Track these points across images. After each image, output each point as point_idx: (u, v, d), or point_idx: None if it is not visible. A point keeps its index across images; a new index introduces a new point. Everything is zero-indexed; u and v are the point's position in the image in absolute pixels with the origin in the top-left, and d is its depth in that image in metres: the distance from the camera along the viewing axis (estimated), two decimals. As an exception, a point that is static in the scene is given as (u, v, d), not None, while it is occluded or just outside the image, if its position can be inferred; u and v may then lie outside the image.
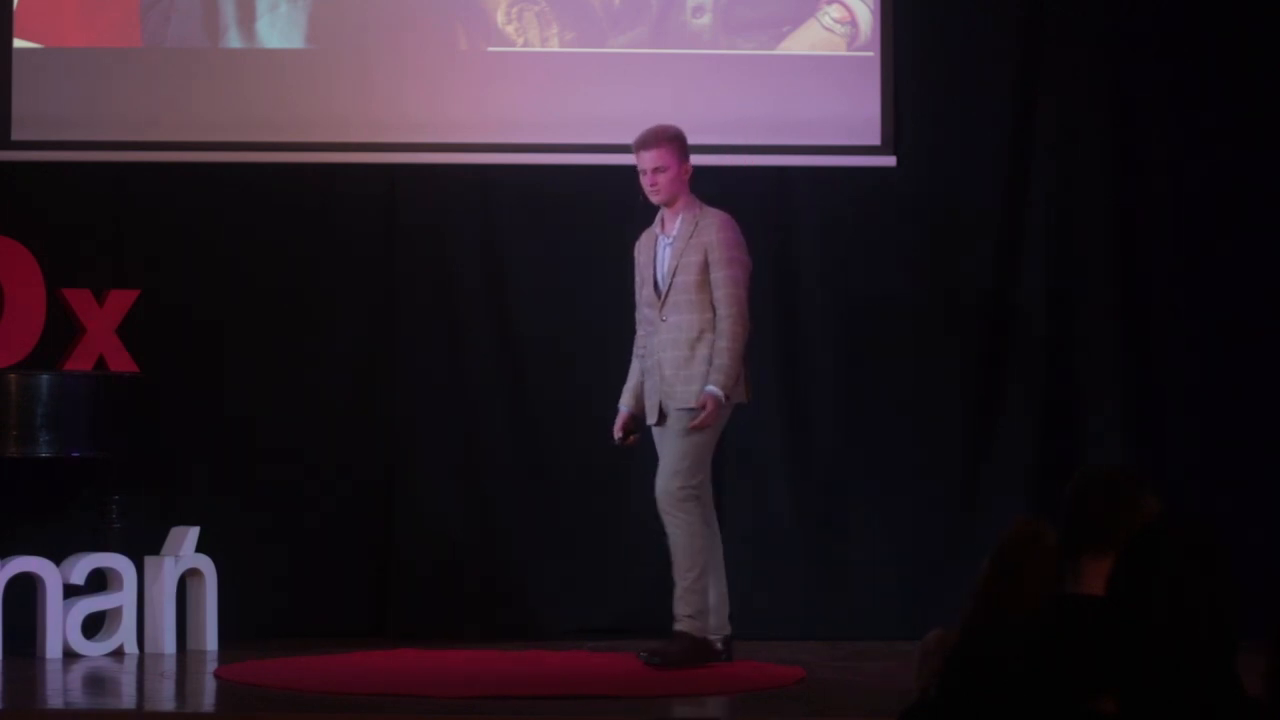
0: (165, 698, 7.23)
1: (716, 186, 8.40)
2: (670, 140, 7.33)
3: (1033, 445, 8.32)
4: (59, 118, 8.30)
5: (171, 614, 7.78)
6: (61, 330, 7.96)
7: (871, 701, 6.52)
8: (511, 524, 8.36)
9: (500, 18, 8.36)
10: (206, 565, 7.87)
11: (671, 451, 7.29)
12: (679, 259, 7.30)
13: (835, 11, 8.38)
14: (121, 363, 7.97)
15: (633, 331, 8.46)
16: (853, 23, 8.38)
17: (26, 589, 7.59)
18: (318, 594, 8.24)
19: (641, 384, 7.43)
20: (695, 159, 8.33)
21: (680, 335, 7.28)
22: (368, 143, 8.30)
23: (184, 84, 8.31)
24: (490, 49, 8.37)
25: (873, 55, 8.36)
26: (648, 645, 7.47)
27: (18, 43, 8.30)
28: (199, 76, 8.32)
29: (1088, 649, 2.91)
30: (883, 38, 8.35)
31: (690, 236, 7.31)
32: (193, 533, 7.88)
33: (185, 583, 7.87)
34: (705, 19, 8.37)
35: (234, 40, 8.34)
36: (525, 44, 8.37)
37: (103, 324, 7.98)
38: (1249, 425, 8.28)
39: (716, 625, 7.39)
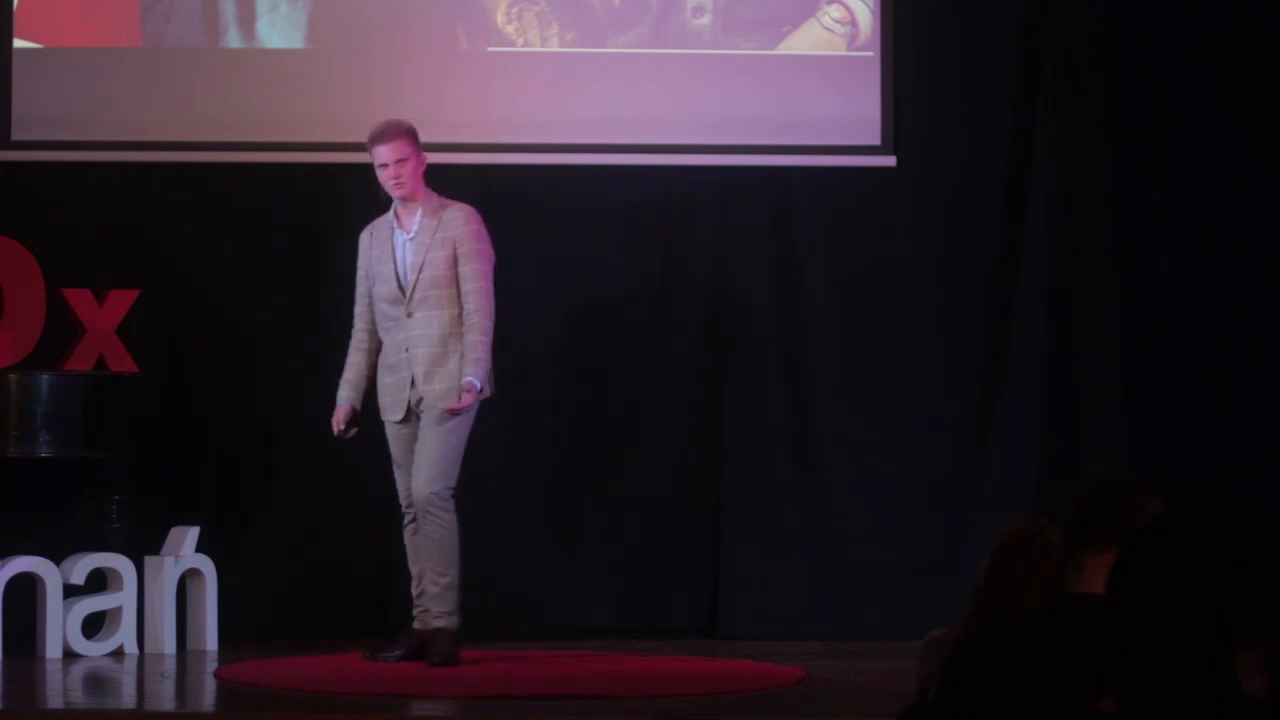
0: (165, 698, 7.23)
1: (717, 186, 8.43)
2: (407, 132, 7.27)
3: (1033, 445, 8.32)
4: (59, 118, 8.29)
5: (171, 614, 7.78)
6: (61, 330, 7.95)
7: (871, 701, 6.52)
8: (511, 524, 8.36)
9: (500, 18, 8.36)
10: (206, 565, 7.87)
11: (433, 452, 7.24)
12: (425, 255, 7.24)
13: (835, 11, 8.38)
14: (121, 363, 7.97)
15: (632, 329, 8.47)
16: (853, 23, 8.38)
17: (26, 589, 7.59)
18: (318, 594, 8.24)
19: (364, 378, 7.39)
20: (697, 159, 8.37)
21: (432, 332, 7.24)
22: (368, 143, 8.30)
23: (184, 84, 8.31)
24: (490, 49, 8.37)
25: (873, 55, 8.36)
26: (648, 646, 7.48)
27: (18, 43, 8.30)
28: (199, 76, 8.32)
29: (1088, 648, 2.91)
30: (883, 38, 8.35)
31: (435, 231, 7.26)
32: (193, 533, 7.87)
33: (185, 583, 7.87)
34: (705, 19, 8.37)
35: (234, 40, 8.34)
36: (525, 44, 8.37)
37: (103, 324, 7.97)
38: (1249, 425, 8.28)
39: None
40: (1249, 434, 8.28)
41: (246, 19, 8.34)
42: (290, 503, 8.27)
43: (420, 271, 7.24)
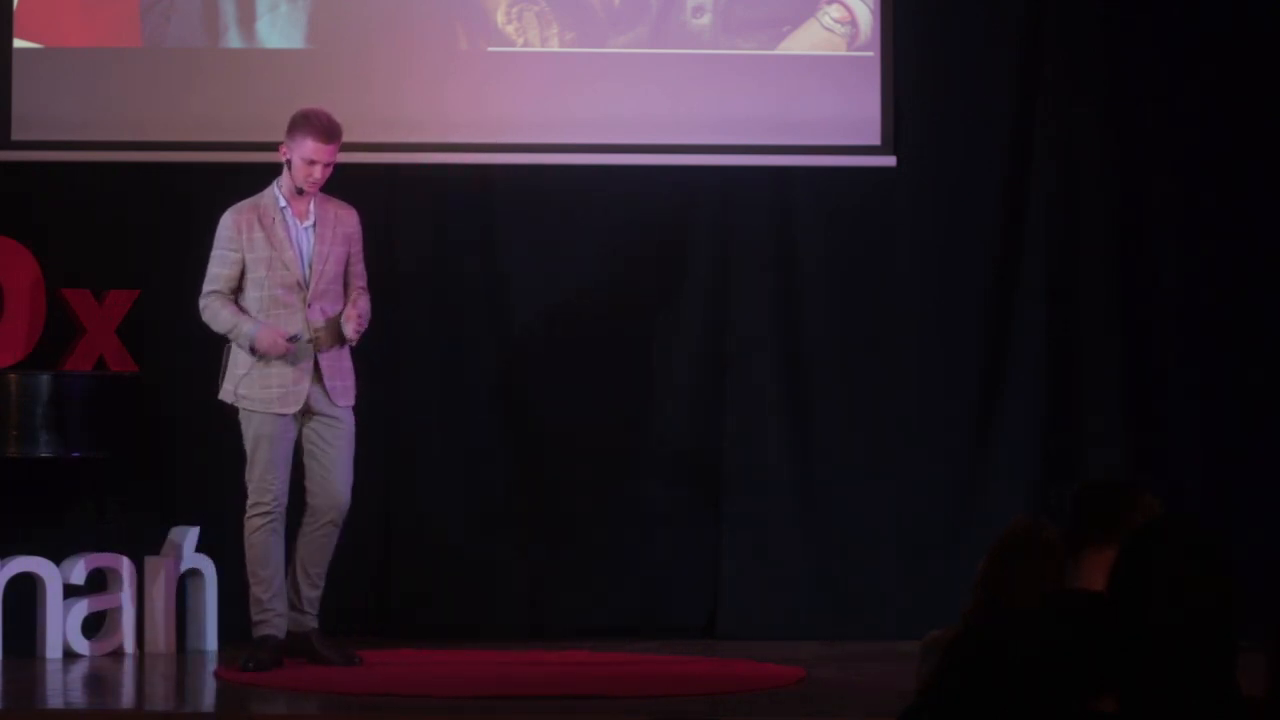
0: (165, 698, 7.23)
1: (717, 186, 8.42)
2: (341, 137, 7.26)
3: (1033, 445, 8.32)
4: (59, 118, 8.29)
5: (171, 614, 7.78)
6: (61, 330, 7.95)
7: (871, 701, 6.53)
8: (511, 524, 8.36)
9: (500, 18, 8.36)
10: (206, 565, 7.87)
11: (345, 460, 7.23)
12: (329, 247, 7.23)
13: (835, 11, 8.38)
14: (121, 363, 7.97)
15: (632, 329, 8.45)
16: (853, 23, 8.38)
17: (26, 589, 7.59)
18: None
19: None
20: (695, 159, 8.37)
21: (333, 327, 7.19)
22: (368, 143, 8.29)
23: (184, 84, 8.31)
24: (490, 49, 8.37)
25: (873, 55, 8.35)
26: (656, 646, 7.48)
27: (18, 43, 8.30)
28: (199, 76, 8.32)
29: (1088, 647, 2.91)
30: (883, 38, 8.34)
31: (335, 226, 7.25)
32: (193, 533, 7.88)
33: (185, 583, 7.87)
34: (705, 19, 8.37)
35: (234, 40, 8.34)
36: (525, 44, 8.37)
37: (103, 324, 7.98)
38: (1249, 425, 8.28)
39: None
40: (1249, 434, 8.28)
41: (246, 19, 8.34)
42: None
43: (325, 263, 7.21)
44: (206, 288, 7.23)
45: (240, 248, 7.19)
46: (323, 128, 7.17)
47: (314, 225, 7.24)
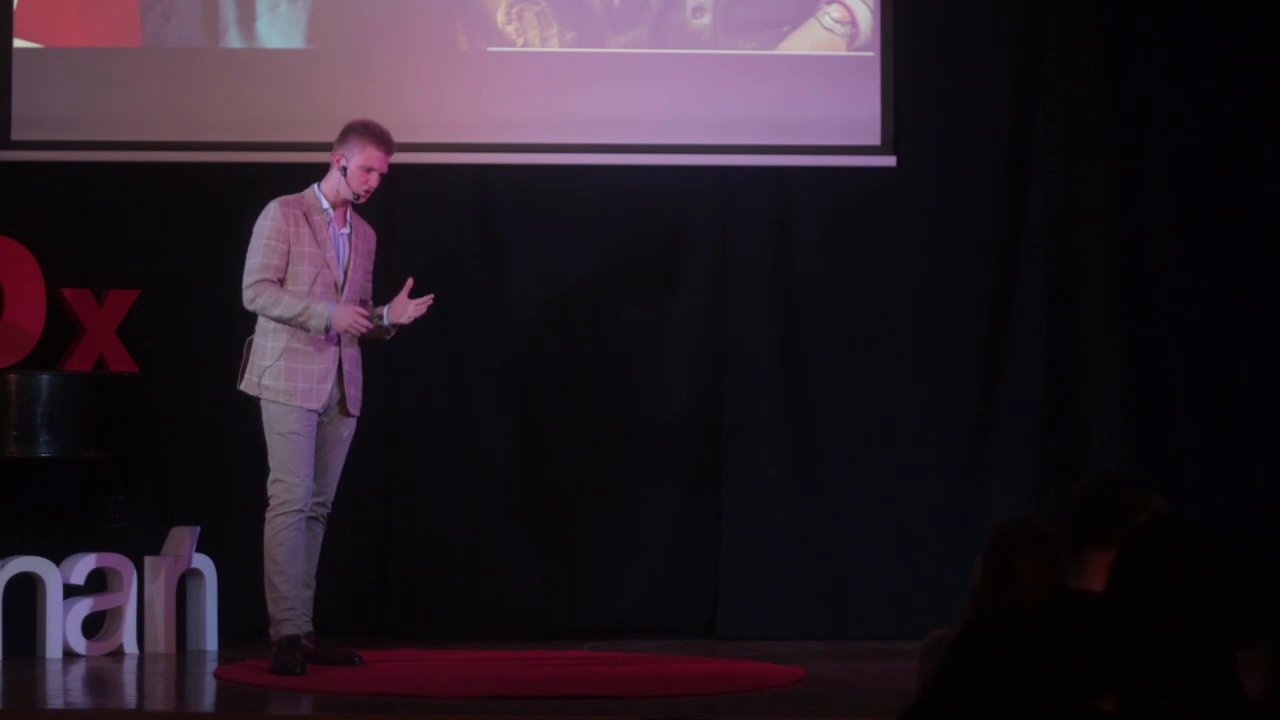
0: (165, 698, 7.23)
1: (717, 186, 8.42)
2: None
3: (1033, 445, 8.32)
4: (59, 118, 8.29)
5: (171, 614, 7.78)
6: (61, 330, 7.96)
7: (871, 701, 6.53)
8: (511, 524, 8.36)
9: (500, 18, 8.36)
10: (206, 565, 7.87)
11: (341, 459, 7.28)
12: (360, 259, 7.29)
13: (835, 11, 8.38)
14: (121, 363, 7.98)
15: (632, 329, 8.45)
16: (853, 23, 8.38)
17: (26, 589, 7.59)
18: (318, 594, 8.22)
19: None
20: (696, 159, 8.38)
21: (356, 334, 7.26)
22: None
23: (184, 84, 8.31)
24: (490, 49, 8.37)
25: (873, 55, 8.36)
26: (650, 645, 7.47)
27: (18, 43, 8.30)
28: (199, 76, 8.32)
29: (1088, 646, 2.91)
30: (883, 38, 8.35)
31: (364, 239, 7.34)
32: (193, 533, 7.88)
33: (185, 583, 7.87)
34: (705, 19, 8.37)
35: (234, 40, 8.35)
36: (525, 44, 8.37)
37: (103, 324, 7.98)
38: (1249, 425, 8.28)
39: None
40: (1249, 433, 8.28)
41: (246, 19, 8.34)
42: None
43: (357, 272, 7.27)
44: (255, 276, 7.14)
45: (288, 239, 7.16)
46: (385, 138, 7.21)
47: (349, 235, 7.28)
